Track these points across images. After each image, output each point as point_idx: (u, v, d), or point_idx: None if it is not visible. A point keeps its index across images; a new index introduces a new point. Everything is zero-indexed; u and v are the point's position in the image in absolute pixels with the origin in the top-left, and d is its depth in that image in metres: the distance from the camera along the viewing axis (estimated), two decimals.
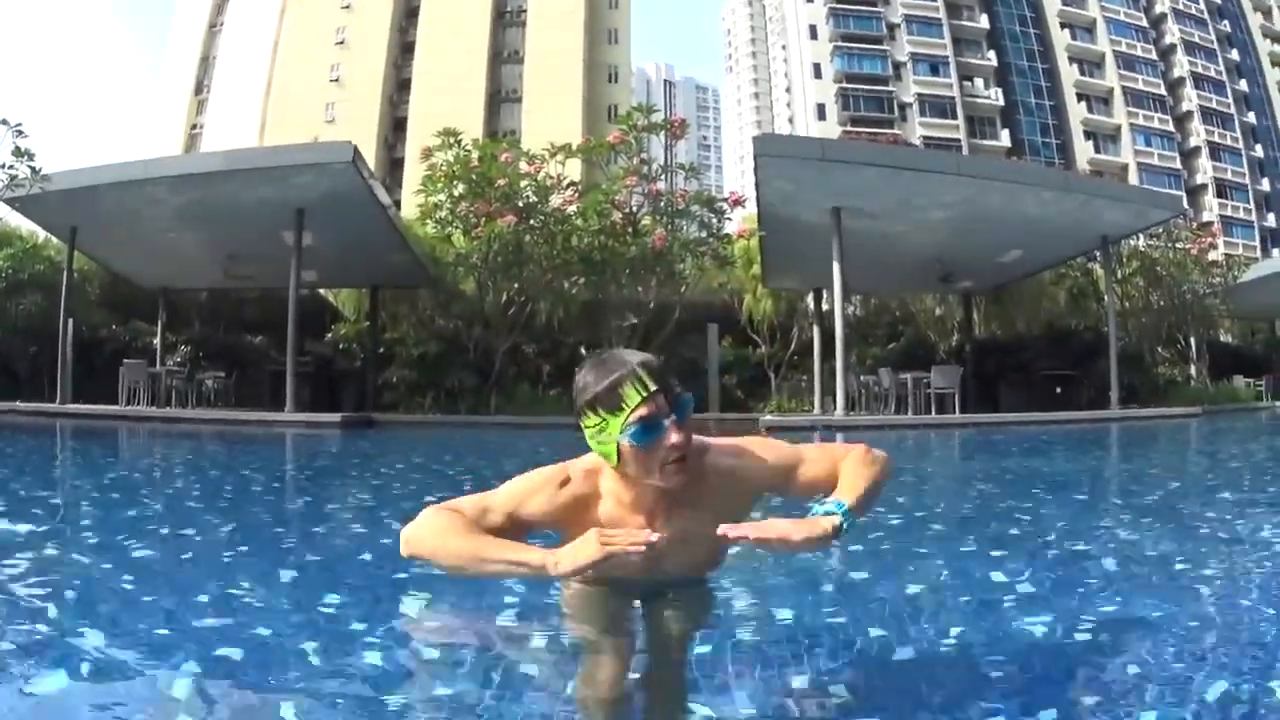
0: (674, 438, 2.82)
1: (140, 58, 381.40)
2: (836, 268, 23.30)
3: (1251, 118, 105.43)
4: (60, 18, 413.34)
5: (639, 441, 2.81)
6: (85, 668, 2.95)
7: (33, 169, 21.22)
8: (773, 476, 3.14)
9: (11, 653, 3.10)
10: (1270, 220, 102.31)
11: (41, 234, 30.34)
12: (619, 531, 2.68)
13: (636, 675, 2.88)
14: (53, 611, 3.76)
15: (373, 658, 3.15)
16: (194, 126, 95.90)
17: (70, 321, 24.97)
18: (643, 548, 2.57)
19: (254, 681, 2.96)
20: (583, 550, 2.62)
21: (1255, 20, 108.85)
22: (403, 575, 4.49)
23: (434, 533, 2.88)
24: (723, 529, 2.71)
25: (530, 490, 3.05)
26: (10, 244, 30.38)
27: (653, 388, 2.80)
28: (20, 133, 21.07)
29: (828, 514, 2.78)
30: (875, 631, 3.44)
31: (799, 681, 2.94)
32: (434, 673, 3.06)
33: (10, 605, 3.82)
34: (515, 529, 2.99)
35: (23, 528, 5.82)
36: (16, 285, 29.00)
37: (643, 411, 2.79)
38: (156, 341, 30.23)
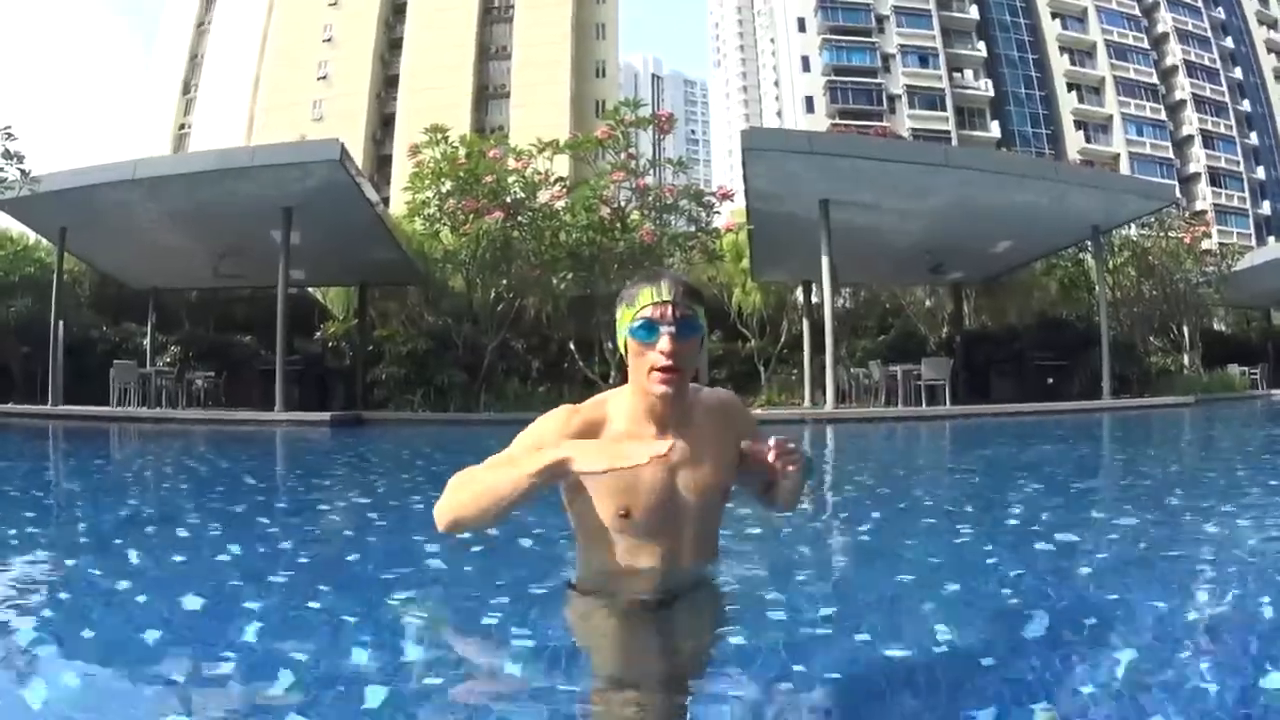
0: (665, 344, 3.02)
1: (129, 57, 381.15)
2: (825, 260, 23.31)
3: (1246, 105, 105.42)
4: (49, 18, 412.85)
5: (636, 336, 3.07)
6: (75, 669, 2.95)
7: (22, 171, 21.20)
8: (753, 433, 3.38)
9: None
10: (1265, 208, 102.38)
11: (32, 236, 30.37)
12: (638, 445, 2.83)
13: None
14: (44, 613, 3.75)
15: (361, 658, 3.14)
16: (182, 126, 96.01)
17: (61, 323, 24.91)
18: (655, 457, 2.72)
19: (243, 682, 2.94)
20: (603, 453, 2.79)
21: (1251, 7, 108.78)
22: (390, 575, 4.49)
23: (452, 492, 2.99)
24: (745, 444, 3.20)
25: (545, 426, 3.16)
26: (1, 247, 30.38)
27: (665, 296, 3.06)
28: (9, 135, 21.05)
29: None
30: (863, 624, 3.48)
31: (796, 672, 2.95)
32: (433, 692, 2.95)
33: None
34: None
35: (12, 530, 5.81)
36: (7, 287, 29.07)
37: (648, 312, 3.05)
38: (146, 342, 30.19)
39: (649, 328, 3.04)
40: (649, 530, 3.17)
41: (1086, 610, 3.66)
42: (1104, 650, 3.17)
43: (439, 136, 25.16)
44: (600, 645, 3.18)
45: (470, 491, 2.94)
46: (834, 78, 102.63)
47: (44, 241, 29.52)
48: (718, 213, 26.74)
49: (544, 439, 3.07)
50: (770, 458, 3.05)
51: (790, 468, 3.07)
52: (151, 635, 3.36)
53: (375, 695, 2.76)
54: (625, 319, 3.12)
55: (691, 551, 3.26)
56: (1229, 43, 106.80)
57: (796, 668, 2.99)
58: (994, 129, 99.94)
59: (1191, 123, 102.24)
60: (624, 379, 3.14)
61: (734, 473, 3.33)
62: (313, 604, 3.96)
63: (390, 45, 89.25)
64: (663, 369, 3.03)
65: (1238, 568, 4.66)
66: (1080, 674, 2.92)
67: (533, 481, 2.82)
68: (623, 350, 3.18)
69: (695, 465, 3.20)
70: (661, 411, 3.14)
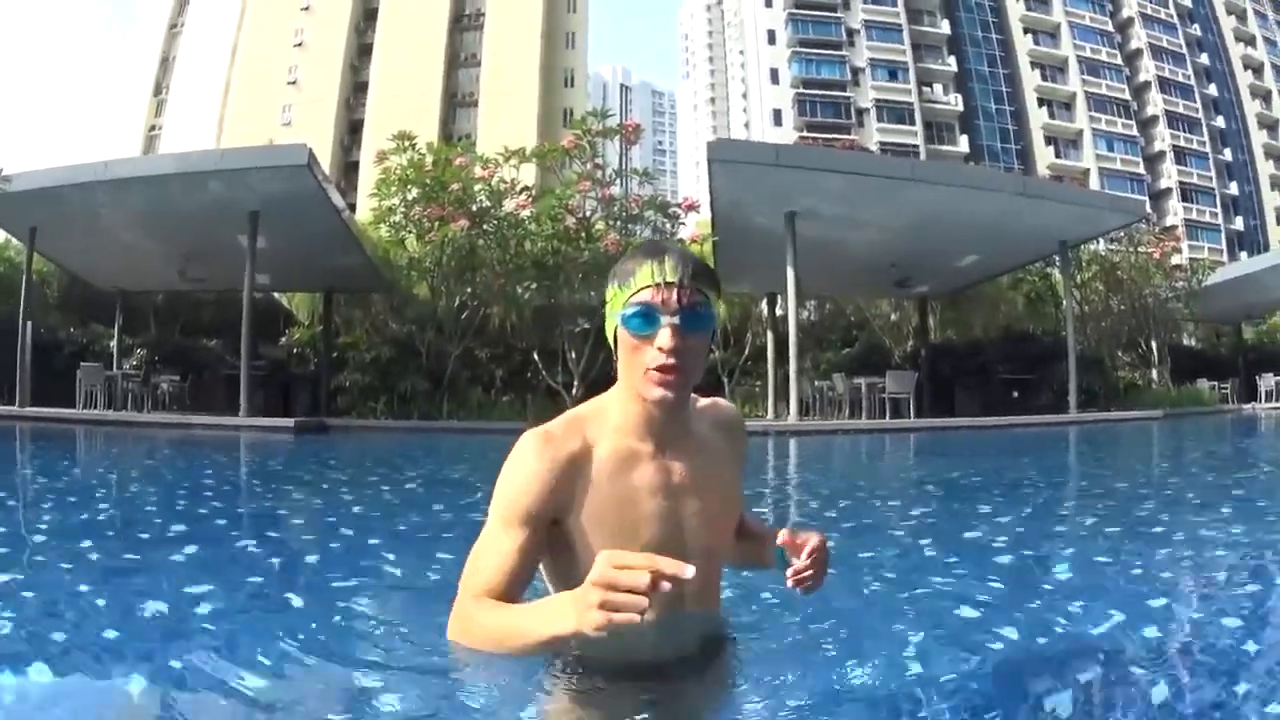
0: (666, 339, 2.35)
1: (100, 58, 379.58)
2: (790, 273, 23.39)
3: (1221, 121, 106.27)
4: (20, 16, 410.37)
5: (630, 327, 2.40)
6: (40, 672, 2.95)
7: None
8: (742, 463, 2.82)
9: None
10: (1238, 223, 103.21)
11: (1, 235, 30.26)
12: (626, 575, 1.89)
13: None
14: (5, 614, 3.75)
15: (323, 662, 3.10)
16: (153, 128, 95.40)
17: (29, 324, 24.84)
18: (641, 610, 1.87)
19: (204, 688, 2.88)
20: (584, 612, 1.94)
21: (1228, 24, 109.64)
22: (351, 583, 4.49)
23: (464, 630, 2.37)
24: (784, 535, 2.48)
25: (525, 479, 2.41)
26: None
27: (669, 278, 2.37)
28: None
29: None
30: (825, 643, 3.26)
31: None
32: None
33: None
34: (540, 528, 2.41)
35: None
36: None
37: (645, 296, 2.38)
38: (113, 344, 30.17)
39: (647, 316, 2.36)
40: None
41: (1050, 625, 3.67)
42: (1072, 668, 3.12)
43: (406, 143, 25.14)
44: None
45: (476, 639, 2.31)
46: (803, 90, 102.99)
47: (13, 241, 29.45)
48: (683, 224, 26.77)
49: (528, 495, 2.39)
50: (797, 563, 2.48)
51: (802, 586, 2.51)
52: (106, 638, 3.36)
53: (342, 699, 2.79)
54: (617, 303, 2.46)
55: (695, 599, 2.53)
56: (1204, 59, 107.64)
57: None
58: (963, 144, 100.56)
59: (1164, 138, 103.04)
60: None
61: (742, 504, 2.83)
62: (274, 608, 3.97)
63: (360, 51, 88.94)
64: (662, 369, 2.37)
65: (1203, 582, 4.74)
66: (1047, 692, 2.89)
67: (547, 649, 2.24)
68: (612, 342, 2.53)
69: (704, 491, 2.55)
70: (660, 422, 2.49)
